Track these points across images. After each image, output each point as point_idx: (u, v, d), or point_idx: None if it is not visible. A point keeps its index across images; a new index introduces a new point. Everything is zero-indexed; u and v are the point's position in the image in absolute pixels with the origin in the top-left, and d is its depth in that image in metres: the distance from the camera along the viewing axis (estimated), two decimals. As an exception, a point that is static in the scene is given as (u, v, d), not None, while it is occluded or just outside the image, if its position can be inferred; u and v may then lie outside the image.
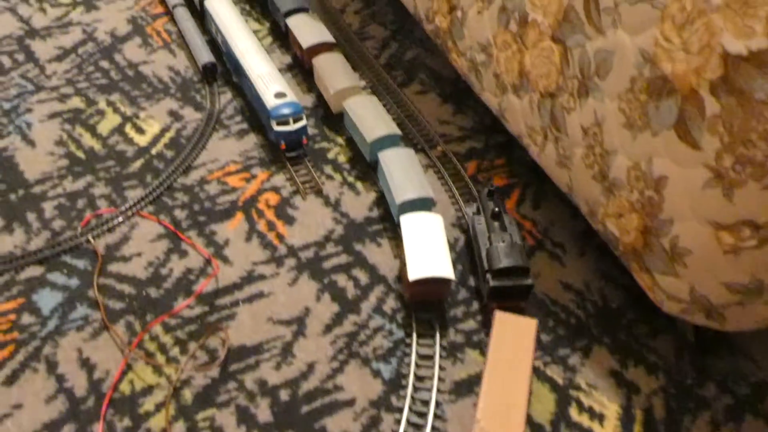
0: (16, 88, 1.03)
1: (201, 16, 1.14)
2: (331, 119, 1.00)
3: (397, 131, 0.89)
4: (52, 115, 0.98)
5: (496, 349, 0.66)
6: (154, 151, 0.94)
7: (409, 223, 0.77)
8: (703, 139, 0.58)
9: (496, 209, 0.76)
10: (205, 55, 1.04)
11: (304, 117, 0.92)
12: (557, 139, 0.78)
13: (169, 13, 1.18)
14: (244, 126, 0.99)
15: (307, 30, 1.04)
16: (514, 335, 0.67)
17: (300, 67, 1.09)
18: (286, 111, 0.90)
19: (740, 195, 0.57)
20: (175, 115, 1.00)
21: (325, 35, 1.03)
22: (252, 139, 0.97)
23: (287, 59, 1.11)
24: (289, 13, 1.08)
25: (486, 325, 0.76)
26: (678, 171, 0.62)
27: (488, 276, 0.72)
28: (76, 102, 1.01)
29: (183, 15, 1.12)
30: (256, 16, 1.20)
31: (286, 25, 1.08)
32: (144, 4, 1.21)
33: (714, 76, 0.55)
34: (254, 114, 1.01)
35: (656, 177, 0.64)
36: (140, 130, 0.97)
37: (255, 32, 1.16)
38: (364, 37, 1.16)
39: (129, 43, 1.12)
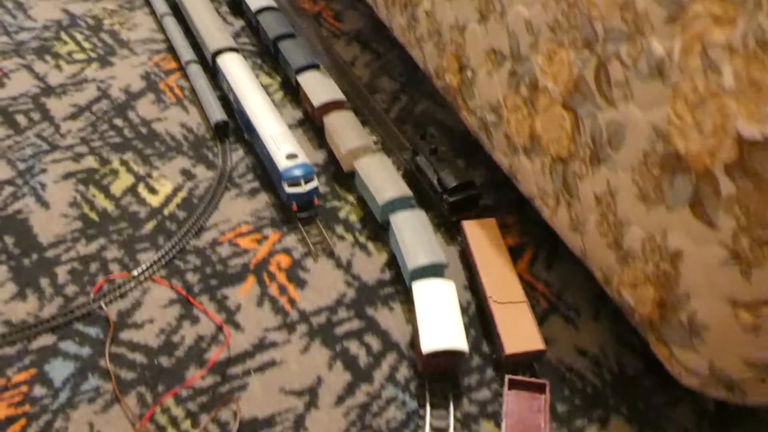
0: (32, 147, 1.04)
1: (213, 72, 1.16)
2: (343, 177, 1.01)
3: (409, 193, 0.89)
4: (66, 176, 0.99)
5: (476, 248, 0.86)
6: (166, 212, 0.95)
7: (422, 291, 0.77)
8: (719, 219, 0.57)
9: (433, 146, 0.94)
10: (217, 113, 1.05)
11: (316, 178, 0.92)
12: (570, 204, 0.78)
13: (182, 68, 1.20)
14: (256, 184, 0.99)
15: (319, 88, 1.05)
16: (484, 233, 0.87)
17: (311, 123, 1.10)
18: (297, 173, 0.90)
19: (758, 275, 0.56)
20: (187, 174, 1.00)
21: (335, 93, 1.04)
22: (263, 198, 0.97)
23: (298, 114, 1.12)
24: (300, 70, 1.09)
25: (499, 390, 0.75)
26: (694, 247, 0.61)
27: (446, 196, 0.91)
28: (90, 161, 1.02)
29: (196, 72, 1.14)
30: (268, 70, 1.21)
31: (297, 82, 1.09)
32: (158, 60, 1.22)
33: (728, 158, 0.55)
34: (266, 172, 1.01)
35: (672, 251, 0.64)
36: (153, 190, 0.98)
37: (266, 87, 1.17)
38: (374, 90, 1.17)
39: (142, 99, 1.14)
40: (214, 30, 1.16)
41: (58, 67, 1.20)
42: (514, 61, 0.82)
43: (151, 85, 1.17)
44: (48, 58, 1.22)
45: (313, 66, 1.10)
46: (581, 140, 0.73)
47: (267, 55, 1.25)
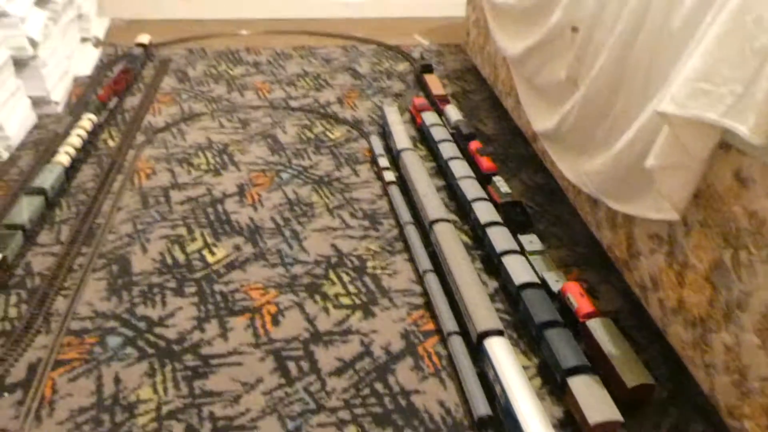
0: (300, 404, 1.08)
1: (476, 349, 1.15)
2: None
3: None
4: (331, 447, 1.01)
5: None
6: None
7: None
8: None
9: None
10: (481, 406, 1.03)
11: None
12: None
13: (440, 331, 1.22)
14: (518, 500, 0.94)
15: (593, 400, 1.00)
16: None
17: (575, 427, 1.04)
18: None
19: None
20: (446, 470, 0.98)
21: (612, 411, 0.98)
22: None
23: (559, 412, 1.07)
24: (569, 371, 1.05)
25: None
26: None
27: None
28: (353, 432, 1.04)
29: (458, 347, 1.15)
30: (524, 348, 1.20)
31: (564, 381, 1.05)
32: (416, 317, 1.26)
33: None
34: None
35: None
36: (412, 484, 0.96)
37: (523, 367, 1.14)
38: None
39: (402, 363, 1.16)
40: (482, 307, 1.18)
41: (325, 309, 1.28)
42: None
43: (410, 346, 1.20)
44: (317, 298, 1.31)
45: (585, 369, 1.06)
46: None
47: (524, 330, 1.24)
